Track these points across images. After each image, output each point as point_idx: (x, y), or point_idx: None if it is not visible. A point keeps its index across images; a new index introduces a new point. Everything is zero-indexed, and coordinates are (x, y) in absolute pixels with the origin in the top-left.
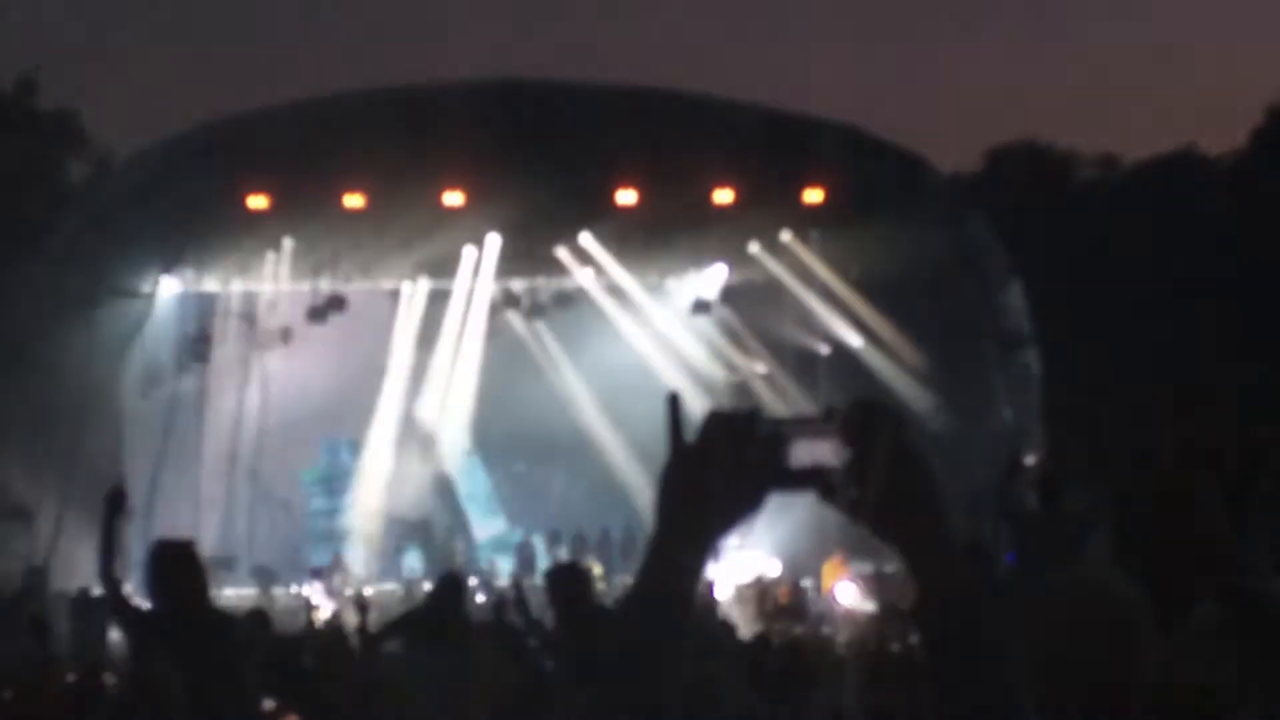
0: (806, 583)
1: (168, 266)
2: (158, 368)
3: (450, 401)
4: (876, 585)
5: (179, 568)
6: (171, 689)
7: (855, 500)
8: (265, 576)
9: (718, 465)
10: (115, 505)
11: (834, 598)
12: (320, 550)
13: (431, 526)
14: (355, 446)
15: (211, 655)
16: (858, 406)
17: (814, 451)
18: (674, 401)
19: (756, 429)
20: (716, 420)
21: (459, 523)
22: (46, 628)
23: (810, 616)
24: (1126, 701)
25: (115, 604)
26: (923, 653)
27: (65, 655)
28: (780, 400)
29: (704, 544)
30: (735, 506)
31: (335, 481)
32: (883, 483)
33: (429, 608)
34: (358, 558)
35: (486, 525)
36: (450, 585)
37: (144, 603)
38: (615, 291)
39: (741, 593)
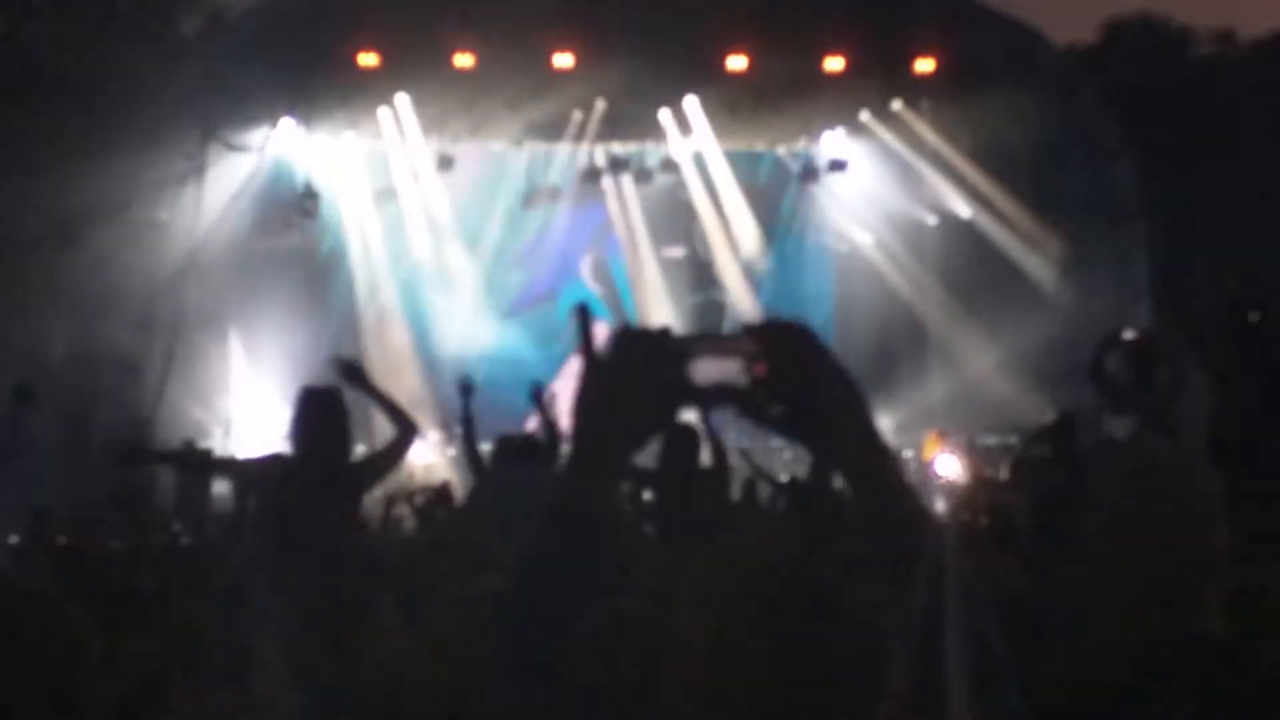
0: (908, 454)
1: (277, 122)
2: (266, 223)
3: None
4: (968, 457)
5: (323, 414)
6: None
7: (780, 415)
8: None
9: (627, 382)
10: (351, 376)
11: (934, 470)
12: None
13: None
14: None
15: (342, 505)
16: (773, 324)
17: (722, 369)
18: (583, 314)
19: (664, 346)
20: (624, 337)
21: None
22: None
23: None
24: (1194, 578)
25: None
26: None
27: (170, 509)
28: (893, 269)
29: (616, 459)
30: (645, 423)
31: None
32: (807, 396)
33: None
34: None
35: None
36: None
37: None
38: (719, 158)
39: None
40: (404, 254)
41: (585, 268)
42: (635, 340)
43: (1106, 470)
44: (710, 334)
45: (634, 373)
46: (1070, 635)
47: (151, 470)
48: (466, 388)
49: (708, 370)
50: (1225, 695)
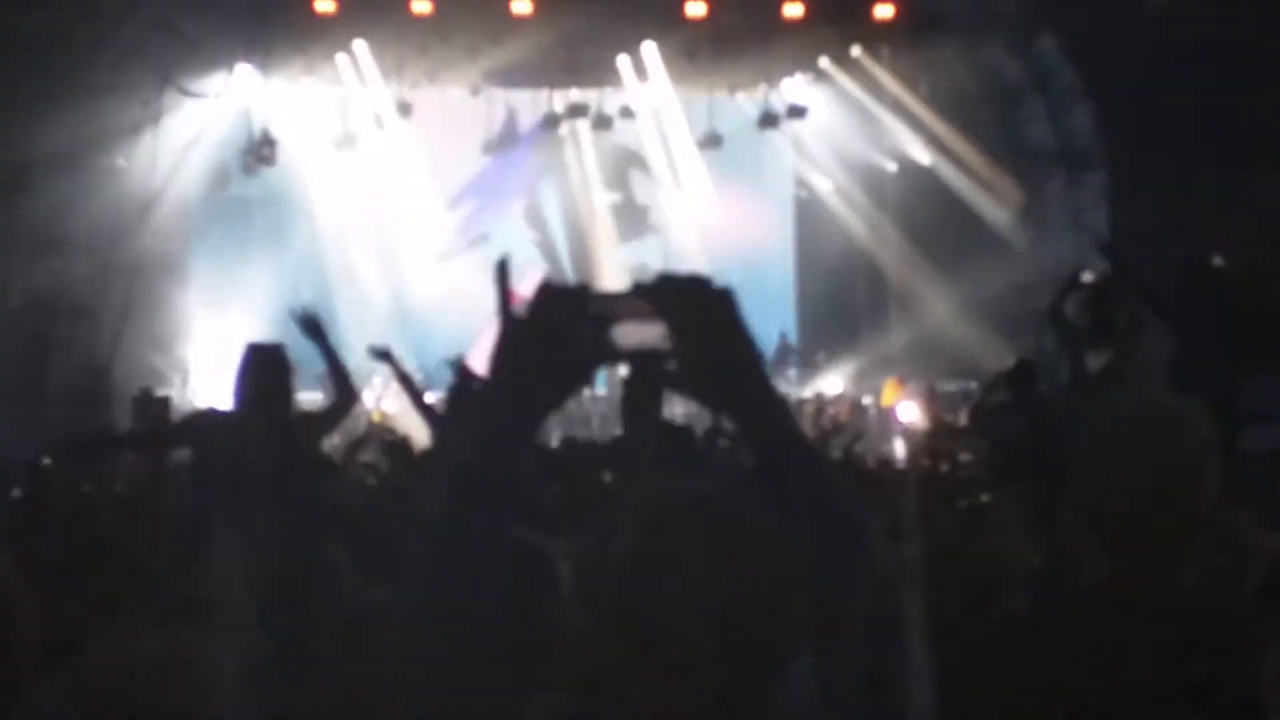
0: (868, 400)
1: (234, 69)
2: (224, 170)
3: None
4: (929, 402)
5: (267, 370)
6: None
7: (676, 374)
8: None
9: (547, 339)
10: (310, 329)
11: (895, 416)
12: None
13: None
14: None
15: (284, 460)
16: (669, 284)
17: (643, 333)
18: (502, 269)
19: (587, 306)
20: (547, 293)
21: None
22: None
23: (870, 434)
24: (1190, 522)
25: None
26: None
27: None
28: (853, 216)
29: (532, 415)
30: (563, 380)
31: None
32: (701, 355)
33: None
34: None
35: None
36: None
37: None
38: (679, 104)
39: (799, 409)
40: (369, 199)
41: (520, 212)
42: (557, 298)
43: (1103, 412)
44: (631, 293)
45: (554, 331)
46: (1040, 580)
47: (108, 415)
48: (382, 354)
49: (630, 334)
50: (1195, 649)
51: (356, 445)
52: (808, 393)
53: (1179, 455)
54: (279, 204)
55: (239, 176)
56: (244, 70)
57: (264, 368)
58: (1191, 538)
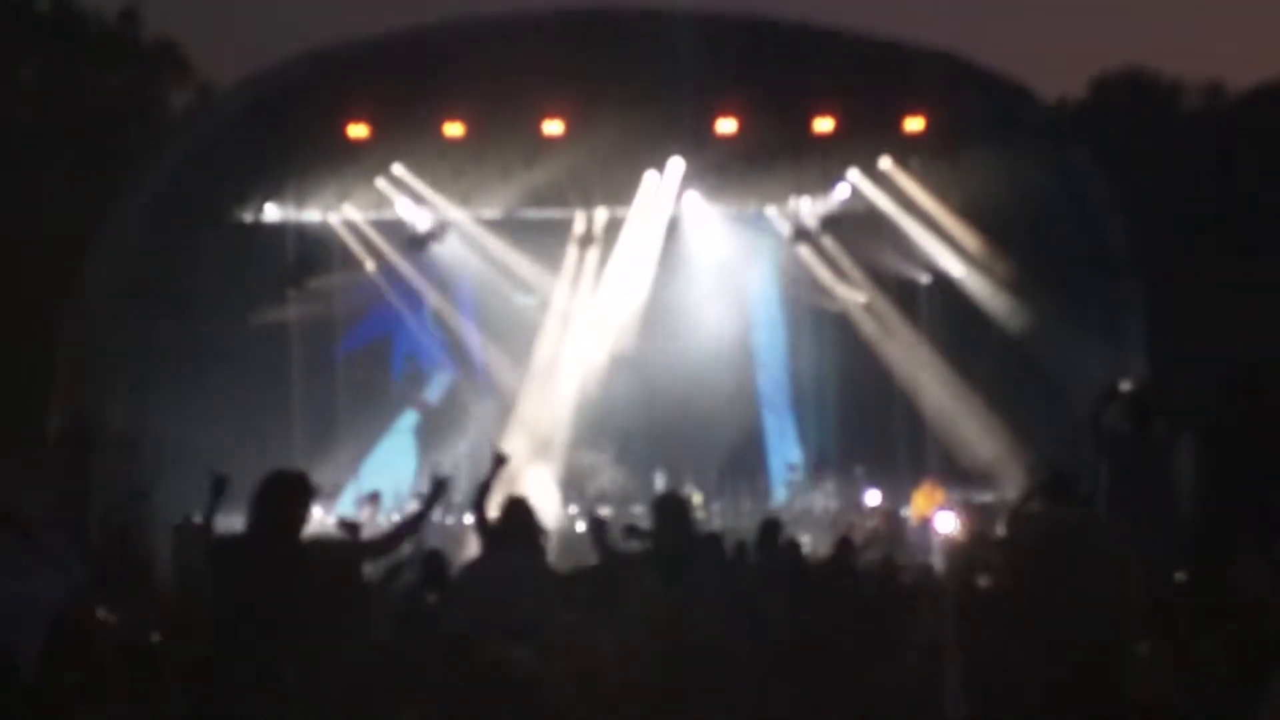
0: (906, 512)
1: (269, 196)
2: (260, 297)
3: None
4: (965, 514)
5: (287, 497)
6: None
7: None
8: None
9: None
10: (217, 490)
11: (933, 526)
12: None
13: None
14: None
15: (292, 585)
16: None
17: None
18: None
19: None
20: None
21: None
22: (148, 558)
23: (907, 544)
24: (1103, 637)
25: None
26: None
27: (168, 583)
28: (882, 330)
29: None
30: None
31: None
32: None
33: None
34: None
35: None
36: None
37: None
38: (714, 219)
39: (835, 521)
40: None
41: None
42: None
43: (1015, 528)
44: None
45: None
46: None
47: (149, 543)
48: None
49: None
50: None
51: (397, 569)
52: (845, 505)
53: (1079, 568)
54: (323, 328)
55: (275, 303)
56: (279, 196)
57: (283, 494)
58: (1116, 651)
